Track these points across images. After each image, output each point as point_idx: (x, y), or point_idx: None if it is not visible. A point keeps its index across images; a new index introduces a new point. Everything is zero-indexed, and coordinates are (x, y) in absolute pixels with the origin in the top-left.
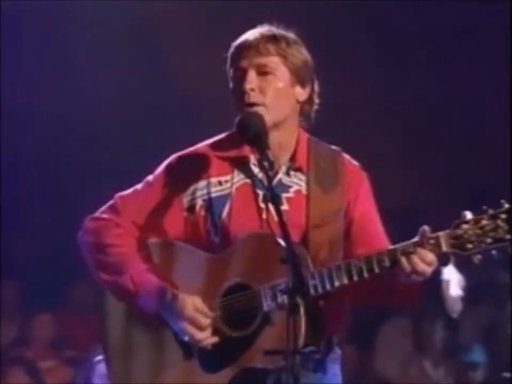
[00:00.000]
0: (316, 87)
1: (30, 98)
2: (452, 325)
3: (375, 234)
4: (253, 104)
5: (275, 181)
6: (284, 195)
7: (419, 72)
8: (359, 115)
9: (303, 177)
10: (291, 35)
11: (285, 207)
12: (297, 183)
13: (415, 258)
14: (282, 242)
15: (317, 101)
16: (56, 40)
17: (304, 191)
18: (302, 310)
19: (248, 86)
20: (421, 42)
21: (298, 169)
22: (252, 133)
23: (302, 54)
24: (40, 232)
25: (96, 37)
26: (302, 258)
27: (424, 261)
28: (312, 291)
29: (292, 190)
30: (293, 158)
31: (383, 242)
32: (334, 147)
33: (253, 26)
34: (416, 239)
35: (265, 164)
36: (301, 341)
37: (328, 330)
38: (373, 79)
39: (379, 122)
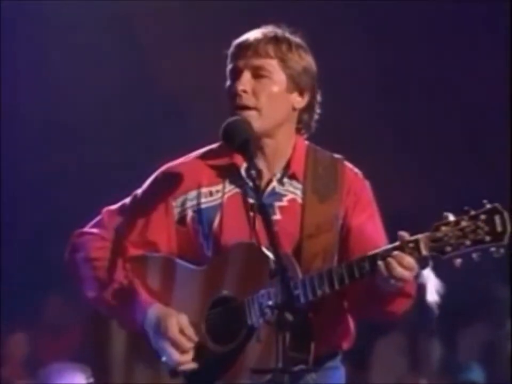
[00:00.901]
0: (318, 97)
1: (10, 99)
2: (449, 343)
3: (373, 244)
4: (244, 107)
5: (268, 189)
6: (277, 204)
7: (420, 75)
8: (356, 121)
9: (299, 186)
10: (296, 39)
11: (277, 216)
12: (292, 191)
13: (392, 263)
14: (270, 254)
15: (318, 110)
16: (34, 42)
17: (299, 200)
18: (290, 326)
19: (240, 87)
20: (421, 43)
21: (293, 177)
22: (238, 141)
23: (303, 59)
24: (17, 247)
25: (75, 39)
26: (291, 270)
27: (401, 265)
28: (296, 302)
29: (285, 198)
30: (287, 165)
31: None
32: (336, 155)
33: (243, 27)
34: (396, 243)
35: (253, 172)
36: (289, 359)
37: (322, 347)
38: (372, 82)
39: (378, 128)
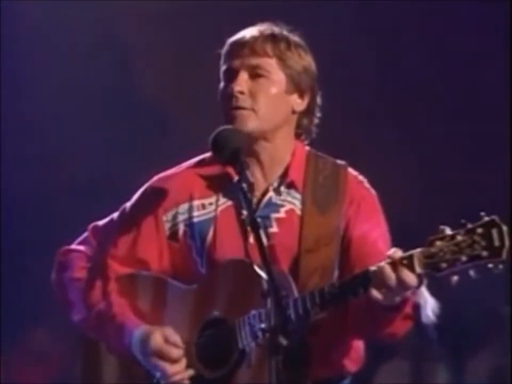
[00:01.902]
0: (318, 99)
1: None
2: (456, 367)
3: (375, 259)
4: (240, 108)
5: (264, 200)
6: (274, 215)
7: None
8: (356, 126)
9: (298, 196)
10: (294, 37)
11: (274, 229)
12: (290, 201)
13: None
14: (263, 273)
15: (318, 114)
16: (15, 45)
17: (298, 211)
18: (284, 350)
19: (237, 88)
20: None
21: (291, 186)
22: (228, 152)
23: (303, 59)
24: None
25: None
26: (286, 288)
27: (401, 281)
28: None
29: (283, 209)
30: (285, 173)
31: None
32: (339, 161)
33: (233, 31)
34: (388, 260)
35: (244, 186)
36: None
37: (325, 369)
38: (374, 85)
39: (378, 130)
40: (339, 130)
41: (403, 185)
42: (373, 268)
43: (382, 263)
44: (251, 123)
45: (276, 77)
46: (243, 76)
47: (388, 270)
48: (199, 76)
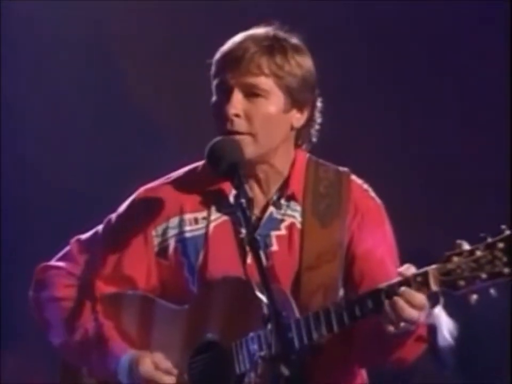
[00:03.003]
0: (318, 104)
1: None
2: None
3: (382, 276)
4: (236, 133)
5: (265, 217)
6: (274, 233)
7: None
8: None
9: (298, 208)
10: (292, 41)
11: (274, 247)
12: (290, 214)
13: (399, 302)
14: (263, 297)
15: (319, 120)
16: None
17: (298, 225)
18: (286, 381)
19: (232, 111)
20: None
21: (291, 198)
22: (226, 164)
23: (302, 67)
24: None
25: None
26: (287, 309)
27: (411, 304)
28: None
29: (283, 225)
30: (285, 185)
31: None
32: (341, 168)
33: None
34: (401, 277)
35: (243, 201)
36: None
37: None
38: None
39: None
40: (340, 134)
41: (412, 193)
42: (382, 286)
43: (394, 281)
44: (249, 149)
45: (274, 96)
46: (238, 96)
47: (398, 289)
48: (190, 83)
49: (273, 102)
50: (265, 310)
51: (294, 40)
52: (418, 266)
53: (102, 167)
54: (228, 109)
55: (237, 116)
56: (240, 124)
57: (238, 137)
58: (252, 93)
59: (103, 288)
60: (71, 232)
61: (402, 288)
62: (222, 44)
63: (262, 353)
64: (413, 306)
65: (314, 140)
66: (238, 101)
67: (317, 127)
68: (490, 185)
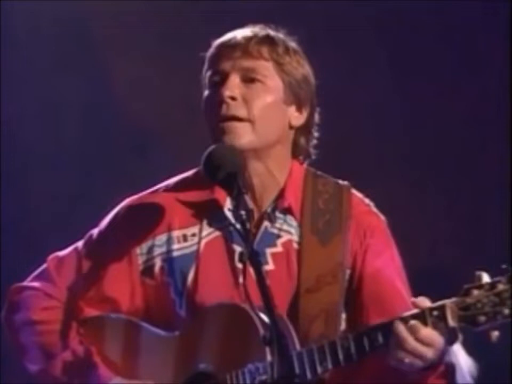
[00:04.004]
0: (316, 117)
1: None
2: None
3: (392, 300)
4: (232, 118)
5: (259, 232)
6: (269, 250)
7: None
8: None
9: (294, 223)
10: (292, 43)
11: (269, 266)
12: (286, 230)
13: (402, 333)
14: (263, 317)
15: (315, 134)
16: None
17: (295, 243)
18: None
19: (227, 93)
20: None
21: (287, 211)
22: (224, 172)
23: (303, 67)
24: None
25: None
26: (286, 337)
27: (423, 342)
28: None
29: (279, 241)
30: (280, 196)
31: (405, 310)
32: (341, 182)
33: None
34: (415, 310)
35: (242, 213)
36: None
37: None
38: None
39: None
40: (339, 143)
41: (417, 209)
42: (395, 318)
43: (407, 314)
44: (247, 138)
45: (273, 83)
46: (234, 80)
47: (413, 322)
48: (180, 92)
49: (272, 89)
50: (266, 332)
51: (294, 44)
52: (422, 287)
53: (81, 178)
54: (223, 91)
55: (233, 98)
56: (237, 108)
57: (235, 124)
58: (249, 78)
59: (84, 310)
60: (49, 248)
61: (412, 322)
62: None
63: (263, 377)
64: (418, 341)
65: (312, 157)
66: (234, 84)
67: (314, 141)
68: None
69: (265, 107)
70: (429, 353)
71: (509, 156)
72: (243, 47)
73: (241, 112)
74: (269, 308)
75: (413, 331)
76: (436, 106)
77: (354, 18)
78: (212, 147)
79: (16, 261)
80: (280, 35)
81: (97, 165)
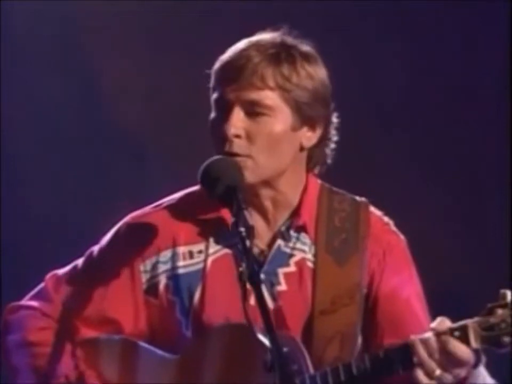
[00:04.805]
0: (334, 120)
1: None
2: None
3: (410, 320)
4: (235, 155)
5: (272, 252)
6: (281, 270)
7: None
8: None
9: (307, 241)
10: (302, 48)
11: (282, 286)
12: (300, 248)
13: (450, 345)
14: (265, 340)
15: (334, 137)
16: None
17: (309, 262)
18: None
19: (232, 131)
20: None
21: (301, 229)
22: (223, 187)
23: (313, 78)
24: None
25: None
26: (299, 360)
27: (453, 355)
28: None
29: (293, 260)
30: (295, 214)
31: (420, 331)
32: (358, 198)
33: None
34: (434, 331)
35: (241, 230)
36: None
37: None
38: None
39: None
40: (357, 154)
41: (439, 227)
42: (413, 338)
43: (426, 335)
44: (248, 174)
45: (280, 113)
46: (238, 114)
47: (432, 341)
48: (180, 102)
49: (279, 120)
50: (268, 356)
51: (305, 47)
52: (445, 309)
53: (82, 191)
54: (227, 129)
55: (237, 136)
56: (240, 145)
57: (236, 159)
58: (254, 111)
59: (84, 331)
60: (48, 266)
61: (444, 337)
62: (219, 54)
63: None
64: (454, 356)
65: (329, 161)
66: (238, 120)
67: (332, 145)
68: None
69: (271, 141)
70: (461, 373)
71: (509, 156)
72: (246, 76)
73: (243, 149)
74: (270, 330)
75: (451, 350)
76: (436, 106)
77: (354, 18)
78: (209, 160)
79: (15, 266)
80: (288, 42)
81: (92, 168)
